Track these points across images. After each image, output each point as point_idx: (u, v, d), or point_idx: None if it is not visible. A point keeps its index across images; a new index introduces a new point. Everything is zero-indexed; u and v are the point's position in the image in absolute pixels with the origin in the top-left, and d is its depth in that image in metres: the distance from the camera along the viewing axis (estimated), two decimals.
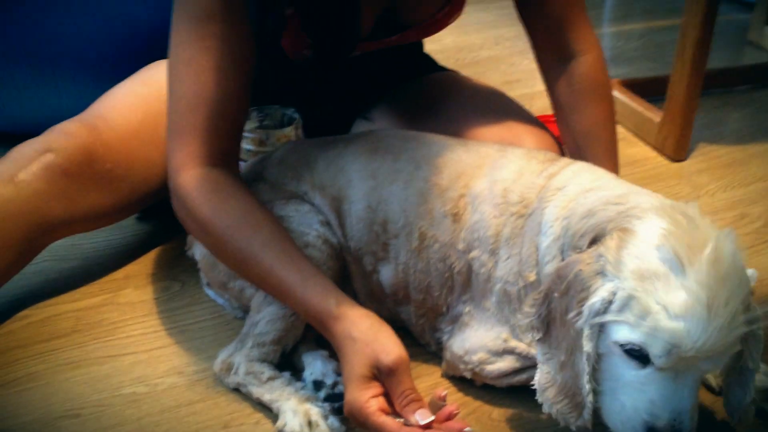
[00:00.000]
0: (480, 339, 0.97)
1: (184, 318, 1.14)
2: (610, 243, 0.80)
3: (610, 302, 0.78)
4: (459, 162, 1.01)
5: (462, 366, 0.98)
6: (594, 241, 0.84)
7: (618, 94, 1.83)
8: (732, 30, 2.44)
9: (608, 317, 0.78)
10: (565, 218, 0.89)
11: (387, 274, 1.03)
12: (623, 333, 0.77)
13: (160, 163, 1.18)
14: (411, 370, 0.87)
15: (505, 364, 0.96)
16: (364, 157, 1.05)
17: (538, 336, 0.85)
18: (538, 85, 1.99)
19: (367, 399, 0.83)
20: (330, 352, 1.02)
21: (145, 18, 1.43)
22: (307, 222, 1.02)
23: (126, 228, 1.35)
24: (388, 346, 0.85)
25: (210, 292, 1.17)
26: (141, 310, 1.16)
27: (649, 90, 1.85)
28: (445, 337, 1.02)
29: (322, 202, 1.04)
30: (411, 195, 1.00)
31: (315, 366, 1.00)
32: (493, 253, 0.95)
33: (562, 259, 0.87)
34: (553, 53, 1.19)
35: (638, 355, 0.77)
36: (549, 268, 0.89)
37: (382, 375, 0.85)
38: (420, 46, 1.48)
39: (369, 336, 0.86)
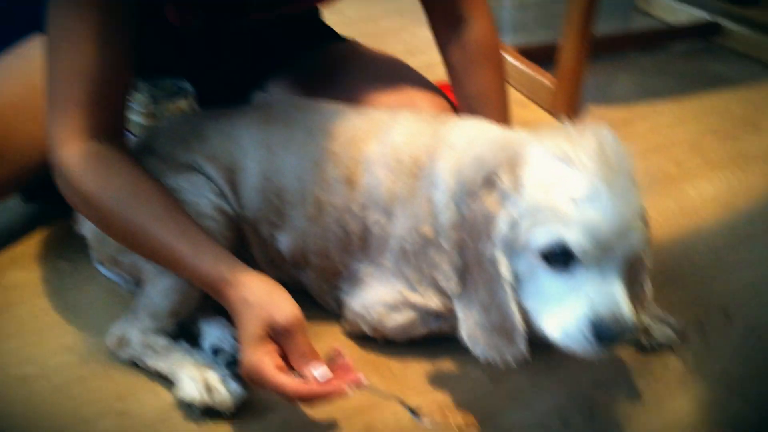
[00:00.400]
0: (378, 294, 0.99)
1: (75, 297, 1.11)
2: (502, 174, 0.84)
3: (517, 220, 0.81)
4: (352, 128, 1.02)
5: (361, 322, 1.00)
6: (488, 181, 0.87)
7: (513, 60, 1.88)
8: None
9: (522, 230, 0.81)
10: (457, 171, 0.92)
11: (285, 242, 1.03)
12: (542, 238, 0.80)
13: (41, 139, 1.13)
14: (313, 333, 0.88)
15: (404, 316, 0.98)
16: (258, 127, 1.04)
17: (457, 290, 0.88)
18: (438, 55, 2.04)
19: (262, 357, 0.84)
20: (228, 320, 1.01)
21: None
22: (201, 192, 1.00)
23: (11, 209, 1.29)
24: (282, 306, 0.86)
25: (102, 269, 1.14)
26: (28, 292, 1.11)
27: (543, 56, 1.91)
28: (344, 296, 1.03)
29: (215, 172, 1.03)
30: (305, 163, 1.00)
31: (213, 333, 0.99)
32: (389, 212, 0.96)
33: (458, 210, 0.90)
34: (445, 19, 1.21)
35: (562, 260, 0.80)
36: (444, 219, 0.91)
37: (277, 335, 0.85)
38: (317, 14, 1.47)
39: (263, 298, 0.86)
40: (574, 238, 0.78)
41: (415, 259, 0.96)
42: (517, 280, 0.85)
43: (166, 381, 0.95)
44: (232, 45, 1.28)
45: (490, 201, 0.84)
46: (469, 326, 0.87)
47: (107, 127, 0.96)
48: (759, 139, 1.66)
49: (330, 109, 1.06)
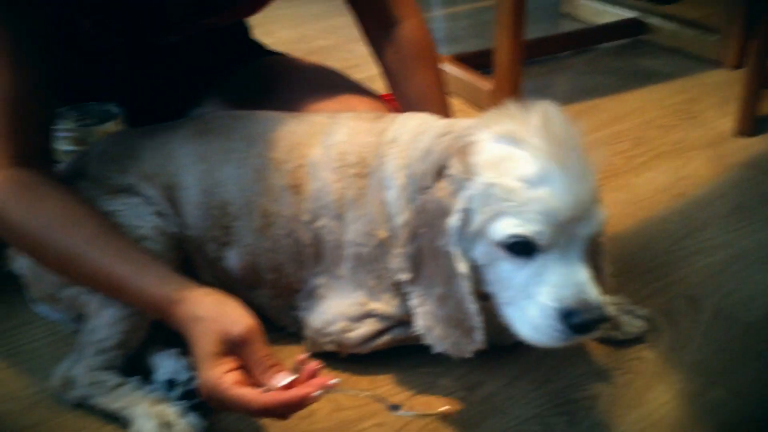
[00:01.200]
0: (338, 308, 0.94)
1: (14, 340, 1.03)
2: (454, 163, 0.81)
3: (471, 209, 0.78)
4: (293, 134, 0.98)
5: (324, 339, 0.95)
6: (439, 173, 0.84)
7: (450, 68, 1.88)
8: (547, 4, 2.58)
9: (477, 219, 0.78)
10: (406, 166, 0.89)
11: (233, 259, 0.98)
12: (499, 225, 0.77)
13: None
14: (272, 356, 0.82)
15: (367, 328, 0.94)
16: (194, 141, 0.99)
17: (408, 277, 0.84)
18: (376, 68, 2.03)
19: (220, 375, 0.77)
20: (182, 350, 0.95)
21: None
22: (139, 214, 0.94)
23: None
24: (236, 317, 0.80)
25: (42, 308, 1.06)
26: None
27: (479, 63, 1.92)
28: (303, 314, 0.98)
29: (153, 191, 0.97)
30: (247, 173, 0.96)
31: (166, 365, 0.92)
32: (340, 218, 0.92)
33: (413, 207, 0.86)
34: (376, 21, 1.19)
35: (522, 248, 0.77)
36: (400, 220, 0.88)
37: (235, 347, 0.79)
38: (246, 32, 1.43)
39: (214, 312, 0.81)
40: (532, 227, 0.75)
41: (372, 265, 0.92)
42: (477, 269, 0.82)
43: (120, 422, 0.88)
44: (160, 63, 1.23)
45: (442, 192, 0.81)
46: (424, 317, 0.85)
47: (30, 154, 0.91)
48: (698, 127, 1.69)
49: (268, 116, 1.02)
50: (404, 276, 0.85)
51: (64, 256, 0.86)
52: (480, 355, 0.99)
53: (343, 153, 0.93)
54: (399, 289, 0.90)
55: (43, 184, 0.89)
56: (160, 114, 1.27)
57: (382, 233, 0.89)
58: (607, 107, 1.81)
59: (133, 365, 0.94)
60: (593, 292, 0.77)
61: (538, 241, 0.76)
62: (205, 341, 0.79)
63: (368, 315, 0.93)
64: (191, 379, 0.90)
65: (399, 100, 1.21)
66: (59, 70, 0.94)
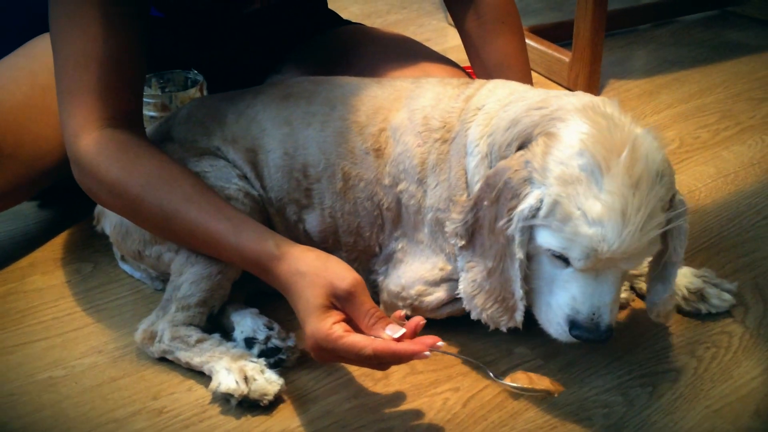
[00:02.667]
0: (416, 272, 0.93)
1: (99, 298, 1.06)
2: (536, 149, 0.79)
3: (538, 208, 0.78)
4: (375, 98, 0.97)
5: (400, 303, 0.95)
6: (521, 147, 0.82)
7: (527, 40, 1.83)
8: None
9: (536, 222, 0.78)
10: (489, 135, 0.87)
11: (313, 221, 0.98)
12: (545, 238, 0.78)
13: (54, 139, 1.09)
14: (378, 309, 0.81)
15: (444, 293, 0.93)
16: (276, 105, 1.00)
17: (461, 243, 0.85)
18: (449, 41, 2.00)
19: (330, 325, 0.77)
20: (260, 310, 0.97)
21: None
22: (225, 176, 0.96)
23: (27, 216, 1.25)
24: (341, 272, 0.80)
25: (126, 267, 1.10)
26: (51, 296, 1.07)
27: (556, 35, 1.87)
28: (380, 278, 0.98)
29: (236, 155, 0.99)
30: (329, 136, 0.96)
31: (245, 323, 0.94)
32: (421, 182, 0.91)
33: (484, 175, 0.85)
34: None
35: (562, 260, 0.79)
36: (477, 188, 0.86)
37: (340, 301, 0.79)
38: (323, 1, 1.43)
39: (318, 266, 0.81)
40: (575, 255, 0.77)
41: None
42: (527, 259, 0.83)
43: (201, 376, 0.90)
44: (241, 31, 1.24)
45: (517, 176, 0.79)
46: (468, 283, 0.86)
47: (124, 114, 0.92)
48: None
49: (349, 81, 1.02)
50: (459, 242, 0.85)
51: (162, 213, 0.87)
52: None
53: (428, 117, 0.92)
54: None
55: (137, 144, 0.90)
56: (240, 80, 1.29)
57: (461, 198, 0.88)
58: (692, 80, 1.74)
59: (213, 323, 0.96)
60: (606, 317, 0.80)
61: (574, 266, 0.79)
62: (311, 294, 0.79)
63: (445, 280, 0.92)
64: (269, 338, 0.92)
65: (476, 68, 1.19)
66: (148, 34, 0.95)
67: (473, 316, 0.87)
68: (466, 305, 0.86)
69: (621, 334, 0.97)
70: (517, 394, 0.86)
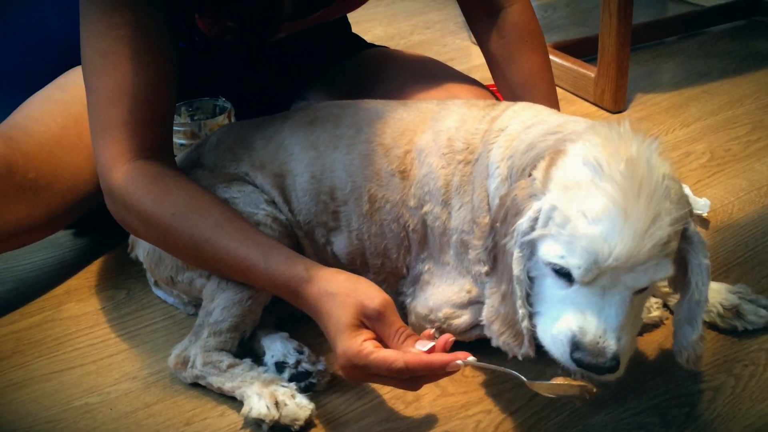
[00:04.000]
0: (443, 294, 0.93)
1: (133, 324, 1.08)
2: (541, 164, 0.79)
3: (536, 219, 0.76)
4: (400, 120, 0.98)
5: (428, 326, 0.95)
6: (530, 172, 0.81)
7: (552, 56, 1.83)
8: None
9: (534, 233, 0.76)
10: (509, 158, 0.87)
11: (341, 244, 0.99)
12: (545, 249, 0.75)
13: (88, 169, 1.12)
14: (408, 328, 0.82)
15: (471, 315, 0.92)
16: (303, 129, 1.01)
17: (485, 269, 0.83)
18: (474, 60, 2.01)
19: (361, 342, 0.78)
20: (290, 334, 0.97)
21: (56, 24, 1.36)
22: (253, 202, 0.97)
23: (62, 244, 1.28)
24: (371, 292, 0.81)
25: (159, 293, 1.11)
26: (86, 322, 1.09)
27: (581, 51, 1.86)
28: (408, 300, 0.98)
29: (264, 180, 1.00)
30: (355, 159, 0.96)
31: (275, 348, 0.94)
32: (446, 204, 0.92)
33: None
34: (480, 8, 1.17)
35: (566, 273, 0.75)
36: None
37: (370, 321, 0.80)
38: (347, 26, 1.45)
39: (348, 287, 0.82)
40: (573, 261, 0.73)
41: None
42: (532, 280, 0.79)
43: (233, 401, 0.91)
44: (267, 58, 1.26)
45: (523, 193, 0.79)
46: (488, 309, 0.83)
47: (155, 146, 0.94)
48: None
49: (375, 105, 1.03)
50: (482, 269, 0.84)
51: (193, 242, 0.89)
52: None
53: (452, 139, 0.92)
54: None
55: (168, 175, 0.92)
56: (268, 106, 1.31)
57: (485, 220, 0.88)
58: (722, 91, 1.71)
59: (244, 348, 0.97)
60: (613, 345, 0.74)
61: (576, 275, 0.74)
62: (341, 314, 0.80)
63: (473, 302, 0.92)
64: (299, 362, 0.92)
65: (501, 88, 1.19)
66: (178, 66, 0.97)
67: (493, 343, 0.84)
68: (486, 332, 0.84)
69: (655, 353, 0.95)
70: (555, 397, 0.82)
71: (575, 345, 0.75)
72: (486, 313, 0.83)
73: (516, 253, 0.78)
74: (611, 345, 0.74)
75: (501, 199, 0.82)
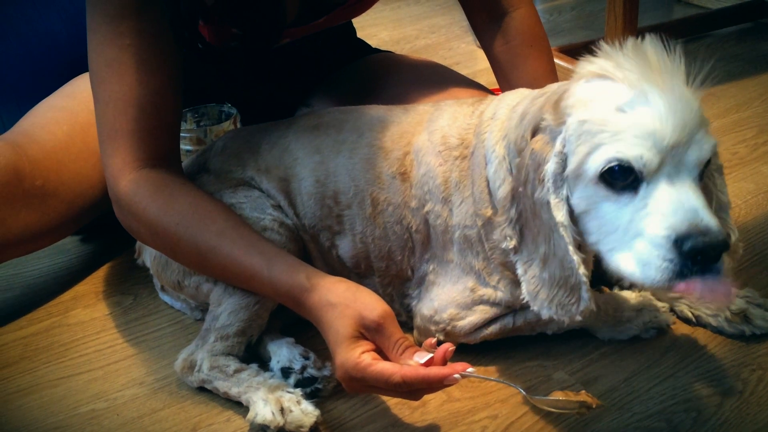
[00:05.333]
0: (448, 294, 0.93)
1: (140, 329, 1.08)
2: (546, 113, 0.79)
3: (566, 152, 0.75)
4: (399, 123, 0.98)
5: (433, 327, 0.95)
6: (534, 132, 0.81)
7: (557, 60, 1.83)
8: None
9: (573, 160, 0.74)
10: (504, 137, 0.87)
11: (346, 247, 0.99)
12: (594, 159, 0.72)
13: (94, 176, 1.13)
14: (408, 339, 0.82)
15: (476, 316, 0.93)
16: (308, 134, 1.02)
17: (512, 244, 0.81)
18: (479, 64, 2.01)
19: (359, 354, 0.78)
20: (296, 339, 0.97)
21: (63, 32, 1.37)
22: (260, 207, 0.97)
23: (69, 251, 1.28)
24: (370, 303, 0.81)
25: (166, 298, 1.12)
26: (93, 328, 1.09)
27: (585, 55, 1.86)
28: (414, 302, 0.98)
29: (270, 185, 1.00)
30: (357, 163, 0.97)
31: (281, 353, 0.95)
32: (446, 201, 0.92)
33: (510, 170, 0.85)
34: (485, 12, 1.17)
35: (624, 179, 0.71)
36: (502, 191, 0.85)
37: (369, 332, 0.80)
38: (352, 31, 1.45)
39: (348, 297, 0.82)
40: (631, 152, 0.70)
41: (479, 246, 0.91)
42: (579, 220, 0.77)
43: (239, 406, 0.91)
44: (272, 64, 1.27)
45: (538, 144, 0.78)
46: (529, 282, 0.80)
47: (161, 154, 0.95)
48: None
49: (377, 109, 1.03)
50: (510, 244, 0.81)
51: (197, 250, 0.89)
52: (596, 348, 0.97)
53: (446, 136, 0.93)
54: (507, 268, 0.89)
55: (174, 183, 0.93)
56: (273, 112, 1.31)
57: (487, 211, 0.88)
58: (729, 94, 1.71)
59: (251, 353, 0.97)
60: (707, 216, 0.69)
61: (640, 167, 0.70)
62: (340, 325, 0.80)
63: (477, 302, 0.92)
64: (305, 368, 0.92)
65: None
66: (183, 73, 0.98)
67: (543, 315, 0.80)
68: (533, 306, 0.80)
69: (662, 358, 0.95)
70: (555, 412, 0.82)
71: (678, 241, 0.69)
72: (527, 288, 0.80)
73: (553, 200, 0.75)
74: (711, 221, 0.69)
75: (517, 167, 0.81)
